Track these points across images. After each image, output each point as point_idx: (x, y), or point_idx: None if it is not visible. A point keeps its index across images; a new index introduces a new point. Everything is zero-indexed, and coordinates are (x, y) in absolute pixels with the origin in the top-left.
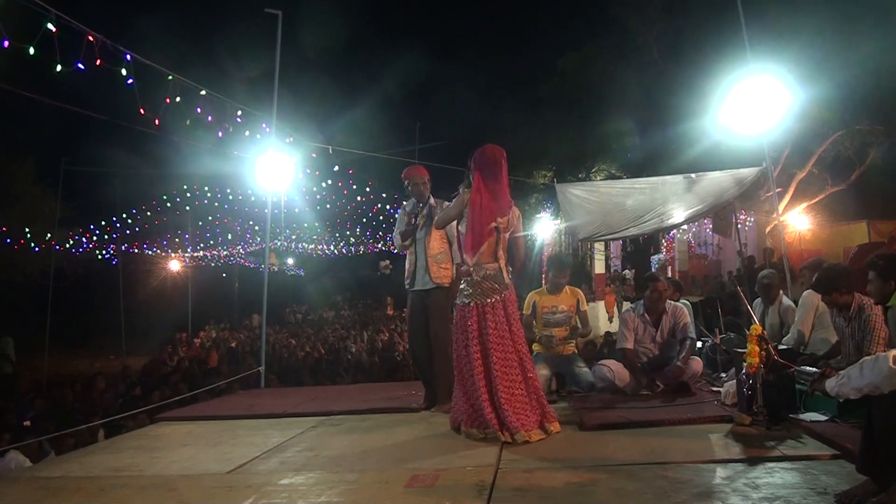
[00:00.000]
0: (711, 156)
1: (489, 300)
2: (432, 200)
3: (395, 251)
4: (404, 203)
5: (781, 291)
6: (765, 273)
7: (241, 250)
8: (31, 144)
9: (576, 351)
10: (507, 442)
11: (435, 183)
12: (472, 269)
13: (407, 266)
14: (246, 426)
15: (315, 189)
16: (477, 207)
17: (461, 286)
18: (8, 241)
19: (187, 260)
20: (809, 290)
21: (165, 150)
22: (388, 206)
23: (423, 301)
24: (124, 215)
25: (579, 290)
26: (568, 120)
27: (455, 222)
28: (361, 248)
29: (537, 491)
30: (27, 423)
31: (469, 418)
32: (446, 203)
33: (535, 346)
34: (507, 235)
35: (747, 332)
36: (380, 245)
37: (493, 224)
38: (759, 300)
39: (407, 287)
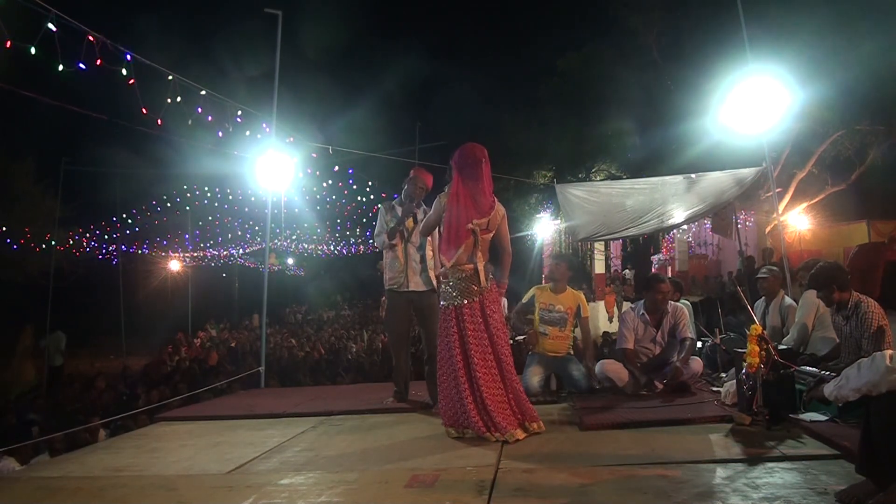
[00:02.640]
0: (711, 156)
1: (466, 301)
2: (424, 208)
3: (379, 249)
4: (386, 203)
5: (782, 290)
6: (763, 269)
7: (241, 250)
8: (31, 144)
9: (571, 352)
10: (491, 440)
11: (435, 183)
12: (448, 270)
13: (391, 266)
14: (246, 426)
15: (315, 189)
16: (454, 208)
17: (441, 288)
18: (8, 240)
19: (187, 260)
20: (812, 290)
21: (165, 150)
22: None
23: (413, 303)
24: (124, 215)
25: (582, 296)
26: (568, 120)
27: (437, 229)
28: (361, 248)
29: (537, 491)
30: (36, 430)
31: (448, 417)
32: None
33: (531, 347)
34: (490, 237)
35: (747, 332)
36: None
37: (470, 226)
38: (761, 300)
39: (393, 288)
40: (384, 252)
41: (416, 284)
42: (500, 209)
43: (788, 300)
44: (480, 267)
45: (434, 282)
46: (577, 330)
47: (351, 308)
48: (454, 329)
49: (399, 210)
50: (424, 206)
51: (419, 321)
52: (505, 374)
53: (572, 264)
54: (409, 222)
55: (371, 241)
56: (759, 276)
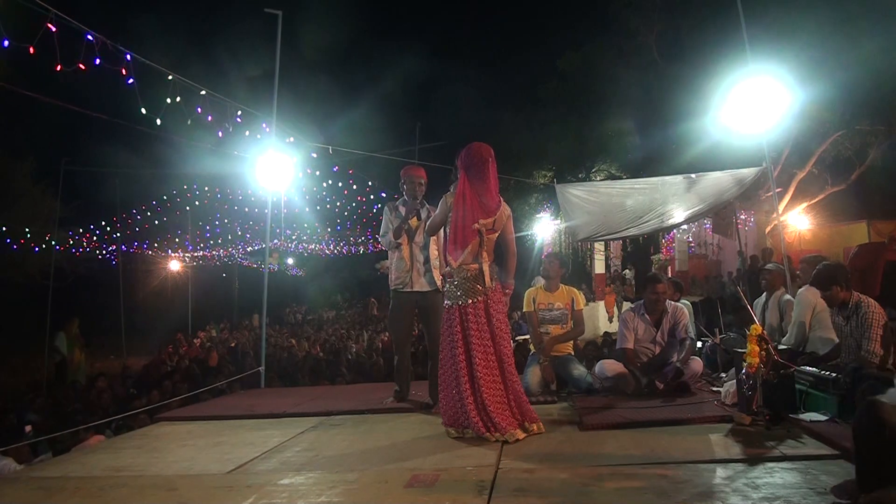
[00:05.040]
0: (711, 156)
1: (470, 301)
2: (428, 207)
3: (385, 249)
4: (390, 203)
5: (783, 287)
6: (771, 264)
7: (241, 250)
8: (31, 144)
9: (572, 352)
10: (490, 440)
11: (435, 183)
12: (453, 270)
13: (397, 266)
14: (246, 426)
15: (315, 189)
16: (460, 208)
17: (445, 288)
18: (8, 240)
19: (187, 260)
20: (806, 287)
21: (165, 150)
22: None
23: (417, 303)
24: (124, 215)
25: (576, 290)
26: (568, 120)
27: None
28: (361, 248)
29: (537, 491)
30: (29, 428)
31: (448, 417)
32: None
33: (532, 347)
34: (495, 237)
35: (747, 332)
36: (379, 245)
37: (476, 226)
38: (761, 297)
39: (398, 288)
40: (389, 252)
41: (420, 285)
42: (505, 209)
43: (787, 296)
44: (485, 267)
45: (438, 282)
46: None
47: (351, 308)
48: (458, 328)
49: (403, 210)
50: (428, 206)
51: (423, 321)
52: (506, 374)
53: (564, 261)
54: (413, 221)
55: (379, 240)
56: (764, 268)
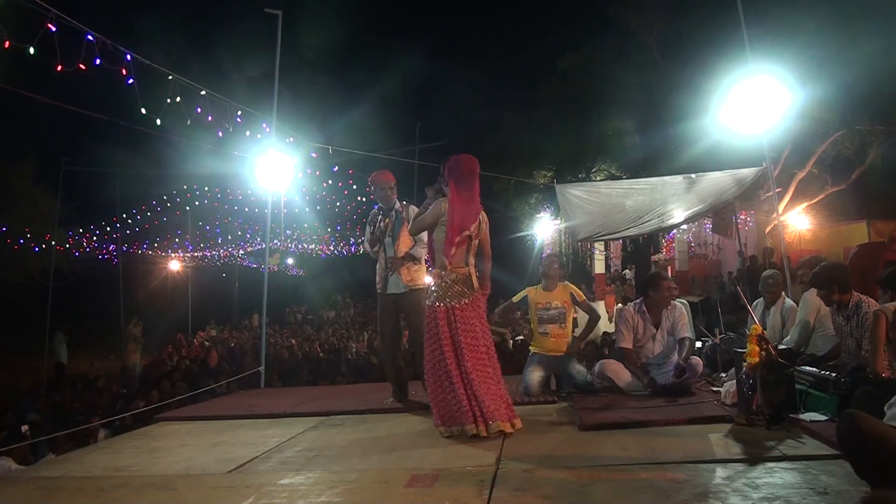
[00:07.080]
0: (711, 156)
1: (461, 302)
2: (398, 205)
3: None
4: (373, 211)
5: (783, 293)
6: (770, 273)
7: (241, 250)
8: (31, 144)
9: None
10: (481, 435)
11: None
12: (446, 273)
13: (378, 270)
14: (246, 426)
15: (315, 189)
16: (455, 215)
17: (431, 287)
18: (8, 241)
19: (187, 260)
20: (812, 290)
21: (165, 150)
22: None
23: (396, 304)
24: (124, 215)
25: (572, 285)
26: (568, 120)
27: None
28: (361, 249)
29: (537, 491)
30: (26, 428)
31: (439, 416)
32: (413, 208)
33: (532, 347)
34: (477, 241)
35: (747, 332)
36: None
37: (467, 231)
38: (759, 300)
39: (379, 290)
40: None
41: (394, 286)
42: (483, 215)
43: (790, 302)
44: (472, 270)
45: (407, 279)
46: (577, 330)
47: (350, 308)
48: (444, 326)
49: (379, 217)
50: (400, 204)
51: (406, 322)
52: (495, 370)
53: (562, 262)
54: (386, 221)
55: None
56: (768, 281)
